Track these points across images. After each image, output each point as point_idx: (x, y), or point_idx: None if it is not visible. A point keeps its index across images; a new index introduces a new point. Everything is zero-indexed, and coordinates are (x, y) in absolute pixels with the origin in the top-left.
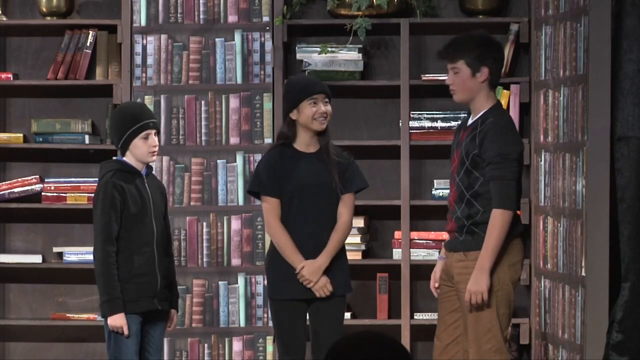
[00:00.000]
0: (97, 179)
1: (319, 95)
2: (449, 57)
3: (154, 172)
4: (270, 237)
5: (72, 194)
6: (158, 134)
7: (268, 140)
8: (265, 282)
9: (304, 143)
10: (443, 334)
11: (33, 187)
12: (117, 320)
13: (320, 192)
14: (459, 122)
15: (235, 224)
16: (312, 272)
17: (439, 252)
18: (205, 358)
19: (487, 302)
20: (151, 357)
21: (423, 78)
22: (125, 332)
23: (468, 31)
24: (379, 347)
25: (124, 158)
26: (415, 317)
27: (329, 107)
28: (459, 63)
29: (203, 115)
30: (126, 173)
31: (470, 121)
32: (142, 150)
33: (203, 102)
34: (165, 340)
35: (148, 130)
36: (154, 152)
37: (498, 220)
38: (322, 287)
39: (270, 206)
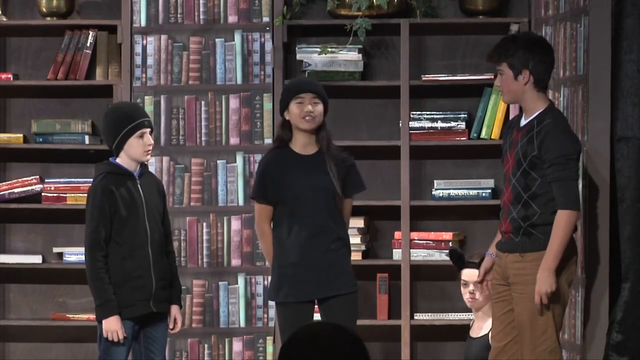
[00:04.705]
0: None
1: (306, 94)
2: (493, 59)
3: (153, 172)
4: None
5: (72, 194)
6: (151, 133)
7: (268, 141)
8: (266, 282)
9: (300, 144)
10: (500, 334)
11: (33, 187)
12: (112, 324)
13: (316, 197)
14: (508, 122)
15: (235, 224)
16: None
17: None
18: (205, 358)
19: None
20: (156, 357)
21: (423, 78)
22: (120, 336)
23: (510, 33)
24: (335, 340)
25: (117, 159)
26: (415, 317)
27: (318, 107)
28: (502, 65)
29: (203, 116)
30: (117, 175)
31: (523, 122)
32: (137, 150)
33: (203, 103)
34: None
35: (143, 129)
36: (149, 150)
37: (564, 220)
38: None
39: (257, 209)
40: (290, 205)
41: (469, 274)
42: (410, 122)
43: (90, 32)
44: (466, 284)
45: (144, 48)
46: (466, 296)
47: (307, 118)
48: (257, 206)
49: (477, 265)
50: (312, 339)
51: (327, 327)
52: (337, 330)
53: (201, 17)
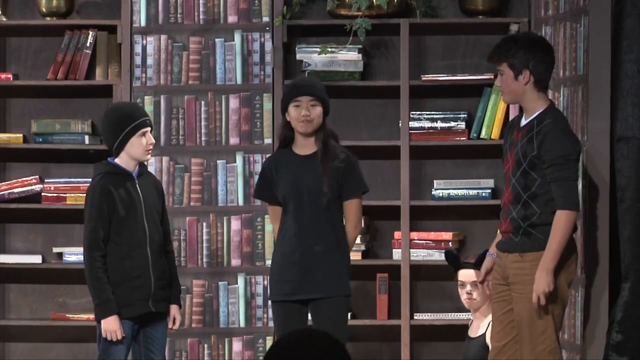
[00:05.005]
0: None
1: (303, 97)
2: (494, 59)
3: (153, 172)
4: None
5: (72, 194)
6: (151, 132)
7: (268, 141)
8: (266, 282)
9: (300, 145)
10: (499, 334)
11: (33, 187)
12: (111, 324)
13: (307, 197)
14: (510, 122)
15: (235, 224)
16: None
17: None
18: (205, 358)
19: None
20: (156, 357)
21: (423, 78)
22: (119, 335)
23: (510, 33)
24: (319, 346)
25: (117, 159)
26: (415, 317)
27: (316, 110)
28: (502, 65)
29: (203, 116)
30: (116, 175)
31: (523, 122)
32: (138, 149)
33: (203, 103)
34: None
35: (145, 129)
36: (150, 150)
37: (563, 220)
38: None
39: (269, 209)
40: (284, 204)
41: (466, 275)
42: (410, 122)
43: (90, 32)
44: (463, 285)
45: (144, 48)
46: (463, 297)
47: (303, 122)
48: (268, 206)
49: (473, 266)
50: (298, 345)
51: (314, 335)
52: (325, 338)
53: (201, 17)
